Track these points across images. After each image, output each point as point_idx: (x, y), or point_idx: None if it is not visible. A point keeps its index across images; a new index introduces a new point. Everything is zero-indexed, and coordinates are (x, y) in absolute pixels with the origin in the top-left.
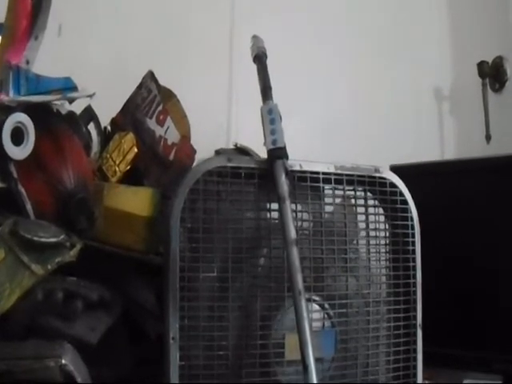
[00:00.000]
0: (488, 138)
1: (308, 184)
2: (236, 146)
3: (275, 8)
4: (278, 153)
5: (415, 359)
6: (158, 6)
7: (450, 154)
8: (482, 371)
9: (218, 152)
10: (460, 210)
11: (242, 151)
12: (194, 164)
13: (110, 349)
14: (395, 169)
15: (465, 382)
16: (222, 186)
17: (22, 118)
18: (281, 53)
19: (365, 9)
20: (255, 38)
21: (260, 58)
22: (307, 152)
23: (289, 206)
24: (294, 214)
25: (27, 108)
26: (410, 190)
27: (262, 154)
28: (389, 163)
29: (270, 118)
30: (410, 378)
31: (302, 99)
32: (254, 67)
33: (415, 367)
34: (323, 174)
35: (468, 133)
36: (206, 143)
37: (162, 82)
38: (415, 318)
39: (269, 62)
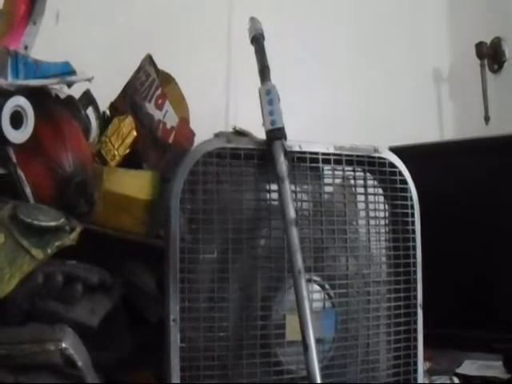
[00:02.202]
0: (487, 119)
1: (307, 165)
2: (235, 129)
3: None
4: (276, 133)
5: (416, 339)
6: None
7: (448, 135)
8: (482, 351)
9: (217, 135)
10: (459, 190)
11: (241, 134)
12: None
13: (110, 332)
14: (394, 150)
15: (465, 361)
16: (221, 167)
17: (21, 101)
18: (280, 35)
19: None
20: (252, 19)
21: (257, 40)
22: (306, 134)
23: (288, 186)
24: (294, 195)
25: (26, 92)
26: (409, 171)
27: (262, 137)
28: (388, 145)
29: (269, 98)
30: (410, 358)
31: (302, 82)
32: (252, 50)
33: (416, 347)
34: (322, 154)
35: (467, 114)
36: (204, 127)
37: (160, 65)
38: (415, 297)
39: (269, 46)
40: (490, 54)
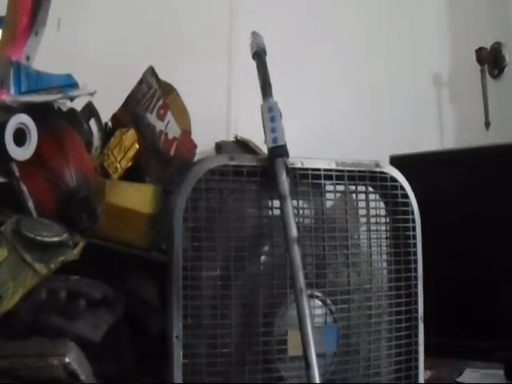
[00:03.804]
0: (487, 124)
1: (309, 181)
2: (236, 137)
3: (274, 1)
4: (278, 151)
5: (417, 352)
6: (157, 0)
7: (449, 140)
8: (483, 360)
9: (218, 144)
10: (460, 198)
11: (241, 143)
12: (195, 159)
13: (113, 345)
14: (395, 159)
15: (466, 370)
16: (223, 184)
17: (24, 119)
18: (280, 44)
19: None
20: (254, 34)
21: (259, 55)
22: (306, 141)
23: (290, 205)
24: (296, 211)
25: (29, 107)
26: (410, 180)
27: (262, 145)
28: (389, 152)
29: (271, 115)
30: (411, 370)
31: (301, 89)
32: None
33: (417, 360)
34: (324, 170)
35: (467, 119)
36: (206, 135)
37: (162, 75)
38: (416, 310)
39: (268, 55)
40: (490, 60)
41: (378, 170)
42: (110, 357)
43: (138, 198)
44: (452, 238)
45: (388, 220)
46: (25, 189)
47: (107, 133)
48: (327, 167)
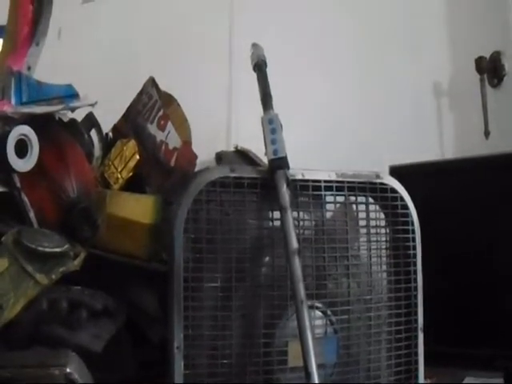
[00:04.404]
0: (487, 133)
1: (310, 193)
2: (236, 148)
3: (274, 9)
4: (279, 163)
5: (416, 362)
6: (157, 10)
7: (449, 150)
8: (483, 369)
9: (218, 154)
10: (460, 208)
11: (242, 153)
12: (196, 169)
13: (114, 355)
14: (395, 169)
15: (466, 379)
16: (224, 196)
17: (25, 130)
18: (280, 52)
19: (363, 6)
20: (255, 46)
21: (260, 67)
22: (307, 150)
23: (290, 216)
24: (296, 222)
25: (30, 117)
26: (409, 190)
27: (262, 154)
28: (388, 161)
29: (271, 127)
30: (411, 380)
31: (302, 98)
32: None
33: (416, 370)
34: (325, 182)
35: (467, 129)
36: (206, 145)
37: (162, 85)
38: (416, 321)
39: (268, 64)
40: (489, 69)
41: (378, 181)
42: (111, 367)
43: (138, 208)
44: (452, 248)
45: (388, 231)
46: (26, 199)
47: (108, 143)
48: (327, 178)
